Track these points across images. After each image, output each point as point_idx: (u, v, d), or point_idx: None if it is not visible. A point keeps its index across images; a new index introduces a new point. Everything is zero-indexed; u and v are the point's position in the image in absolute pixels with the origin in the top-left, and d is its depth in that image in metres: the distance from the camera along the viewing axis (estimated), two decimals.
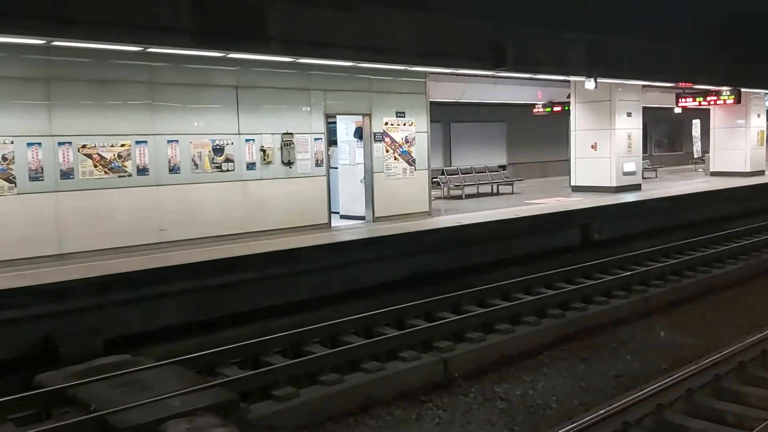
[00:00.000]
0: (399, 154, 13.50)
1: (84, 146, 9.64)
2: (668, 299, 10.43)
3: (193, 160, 10.67)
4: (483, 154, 22.73)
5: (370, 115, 13.01)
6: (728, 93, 19.95)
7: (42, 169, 9.31)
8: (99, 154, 9.76)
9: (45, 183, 9.34)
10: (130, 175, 10.05)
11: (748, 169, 22.02)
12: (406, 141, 13.59)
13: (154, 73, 10.15)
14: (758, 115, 22.60)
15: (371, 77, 12.72)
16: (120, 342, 7.81)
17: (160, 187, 10.34)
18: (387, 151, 13.30)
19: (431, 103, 14.28)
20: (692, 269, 11.91)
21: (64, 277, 8.18)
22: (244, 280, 9.22)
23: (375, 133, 13.09)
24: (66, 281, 8.02)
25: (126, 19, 8.29)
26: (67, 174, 9.52)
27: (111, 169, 9.88)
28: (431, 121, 14.26)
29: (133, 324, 8.26)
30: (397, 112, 13.43)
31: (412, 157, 13.71)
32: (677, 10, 13.82)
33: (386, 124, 13.25)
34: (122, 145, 9.97)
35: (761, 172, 22.42)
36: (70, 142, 9.52)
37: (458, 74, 15.56)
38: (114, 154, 9.89)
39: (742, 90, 19.97)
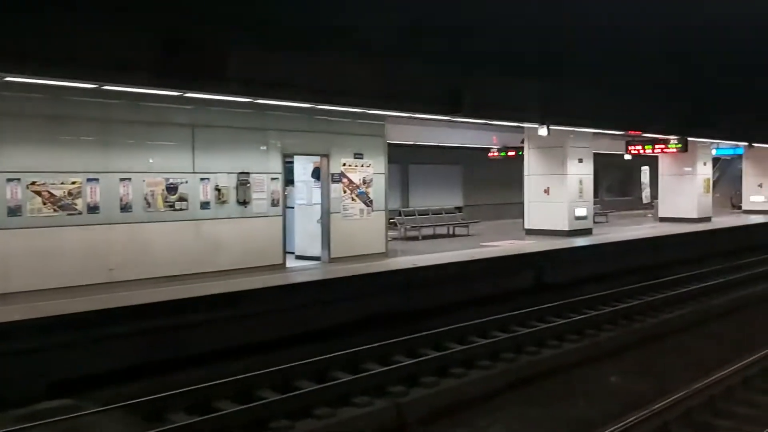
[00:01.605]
0: (356, 195, 13.54)
1: (33, 183, 9.42)
2: (619, 343, 10.57)
3: (145, 198, 10.51)
4: (440, 196, 22.96)
5: (328, 156, 13.05)
6: (676, 141, 20.60)
7: None
8: (48, 192, 9.55)
9: None
10: (80, 213, 9.84)
11: (695, 215, 22.67)
12: (364, 182, 13.66)
13: (107, 110, 10.03)
14: (704, 164, 23.38)
15: (329, 118, 12.80)
16: (64, 385, 7.55)
17: (111, 225, 10.14)
18: (344, 192, 13.33)
19: (389, 144, 14.41)
20: (642, 313, 12.12)
21: (6, 317, 7.91)
22: (195, 322, 9.04)
23: (333, 174, 13.12)
24: (8, 322, 7.75)
25: (82, 55, 8.20)
26: (14, 211, 9.28)
27: (60, 207, 9.66)
28: (389, 163, 14.38)
29: (78, 367, 8.00)
30: (355, 154, 13.50)
31: (369, 198, 13.76)
32: (628, 61, 14.30)
33: (344, 165, 13.30)
34: (73, 183, 9.78)
35: (708, 219, 23.10)
36: (18, 179, 9.30)
37: (416, 118, 15.75)
38: (64, 192, 9.69)
39: (689, 139, 20.66)
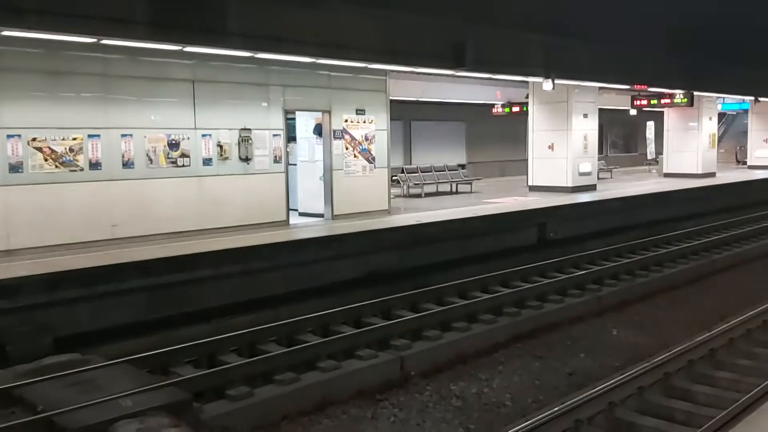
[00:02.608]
0: (359, 152, 13.47)
1: (34, 139, 9.37)
2: (621, 298, 10.62)
3: (147, 154, 10.46)
4: (443, 153, 22.83)
5: (329, 112, 12.94)
6: (681, 96, 20.39)
7: None
8: (50, 148, 9.50)
9: None
10: (81, 170, 9.81)
11: (700, 171, 22.56)
12: (366, 138, 13.57)
13: (108, 66, 9.92)
14: (710, 118, 23.17)
15: (331, 74, 12.65)
16: (70, 340, 7.63)
17: (113, 182, 10.11)
18: (347, 149, 13.25)
19: (391, 101, 14.27)
20: (645, 269, 12.14)
21: (11, 273, 7.95)
22: (199, 277, 9.08)
23: (335, 131, 13.03)
24: (13, 278, 7.79)
25: (79, 9, 8.08)
26: (15, 168, 9.24)
27: (62, 163, 9.63)
28: (391, 119, 14.26)
29: (84, 322, 8.07)
30: (357, 110, 13.38)
31: (371, 154, 13.69)
32: (633, 14, 14.07)
33: (346, 121, 13.20)
34: (74, 139, 9.72)
35: (712, 174, 23.00)
36: (19, 135, 9.24)
37: (418, 73, 15.59)
38: (65, 148, 9.64)
39: (695, 93, 20.45)
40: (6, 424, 5.35)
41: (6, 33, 8.13)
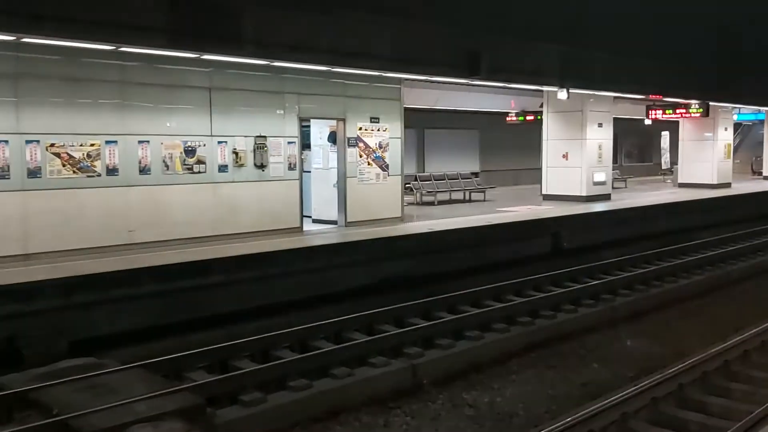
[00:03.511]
0: (372, 160, 13.50)
1: (52, 145, 9.47)
2: (635, 308, 10.56)
3: (164, 161, 10.55)
4: (456, 161, 22.82)
5: (344, 120, 13.00)
6: (697, 106, 20.29)
7: (8, 167, 9.12)
8: (68, 153, 9.61)
9: (11, 182, 9.15)
10: (99, 175, 9.91)
11: (715, 181, 22.41)
12: (380, 146, 13.61)
13: (125, 73, 10.02)
14: (725, 129, 23.03)
15: (346, 82, 12.71)
16: (85, 344, 7.70)
17: (130, 187, 10.20)
18: (360, 156, 13.30)
19: (405, 109, 14.31)
20: (659, 279, 12.07)
21: (28, 277, 8.03)
22: (214, 283, 9.13)
23: (349, 138, 13.08)
24: (31, 282, 7.88)
25: (98, 17, 8.19)
26: (34, 173, 9.35)
27: (80, 169, 9.73)
28: (405, 127, 14.29)
29: (100, 326, 8.14)
30: (371, 118, 13.43)
31: (385, 162, 13.72)
32: (649, 24, 14.06)
33: (360, 129, 13.25)
34: (92, 145, 9.82)
35: (728, 185, 22.83)
36: (38, 141, 9.36)
37: (433, 81, 15.63)
38: (83, 154, 9.75)
39: (711, 104, 20.34)
40: (22, 427, 5.42)
41: (26, 40, 8.25)
